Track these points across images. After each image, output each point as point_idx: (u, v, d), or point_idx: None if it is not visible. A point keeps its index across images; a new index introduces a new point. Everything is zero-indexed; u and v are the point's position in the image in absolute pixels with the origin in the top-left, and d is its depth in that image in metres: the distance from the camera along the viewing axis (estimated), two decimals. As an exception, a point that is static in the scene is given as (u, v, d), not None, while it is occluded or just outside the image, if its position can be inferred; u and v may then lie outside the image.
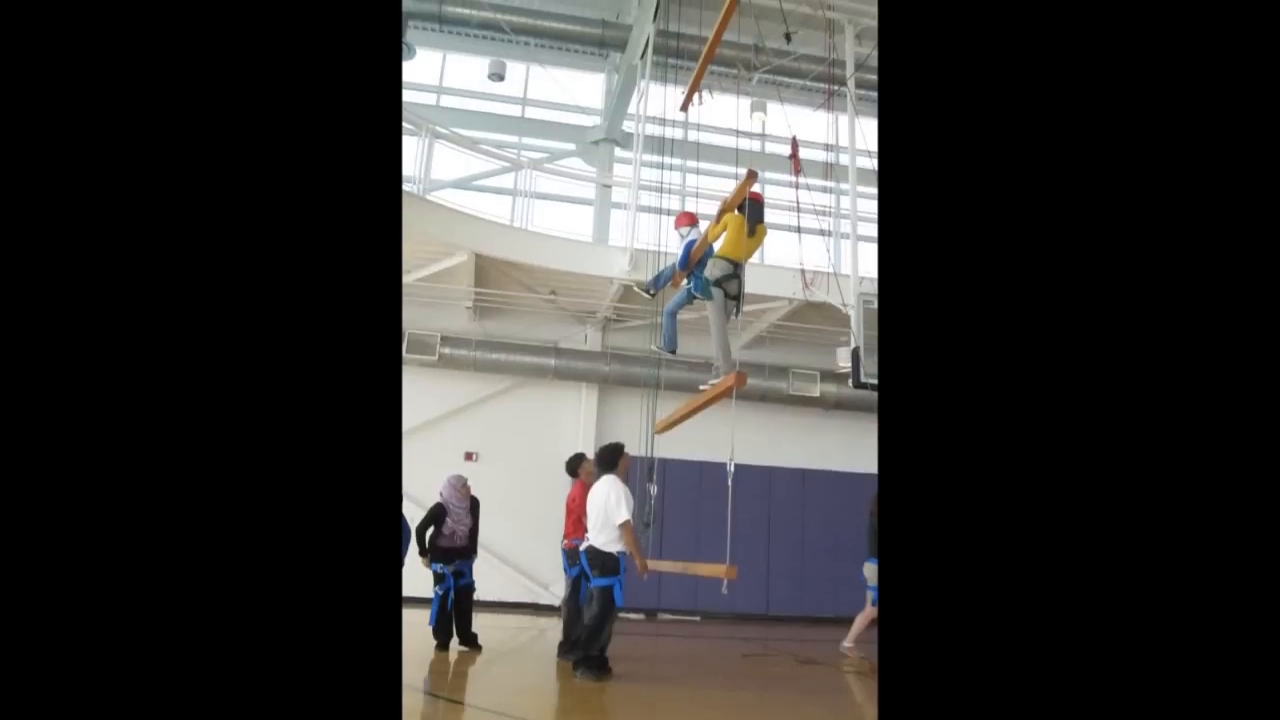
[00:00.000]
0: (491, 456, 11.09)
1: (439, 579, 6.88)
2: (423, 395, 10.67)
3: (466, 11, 12.02)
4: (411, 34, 12.43)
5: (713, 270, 5.75)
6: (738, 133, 8.93)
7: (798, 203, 6.81)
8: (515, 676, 6.35)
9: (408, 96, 12.23)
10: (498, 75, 13.12)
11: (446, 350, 10.82)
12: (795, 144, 6.83)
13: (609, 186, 12.67)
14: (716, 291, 5.74)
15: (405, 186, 9.27)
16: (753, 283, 7.05)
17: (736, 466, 5.50)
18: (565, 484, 6.99)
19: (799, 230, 7.66)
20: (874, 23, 8.93)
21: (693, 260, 6.12)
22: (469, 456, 11.05)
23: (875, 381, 7.55)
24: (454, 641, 6.84)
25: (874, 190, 7.81)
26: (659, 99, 8.89)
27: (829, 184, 9.41)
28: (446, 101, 13.65)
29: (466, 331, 11.20)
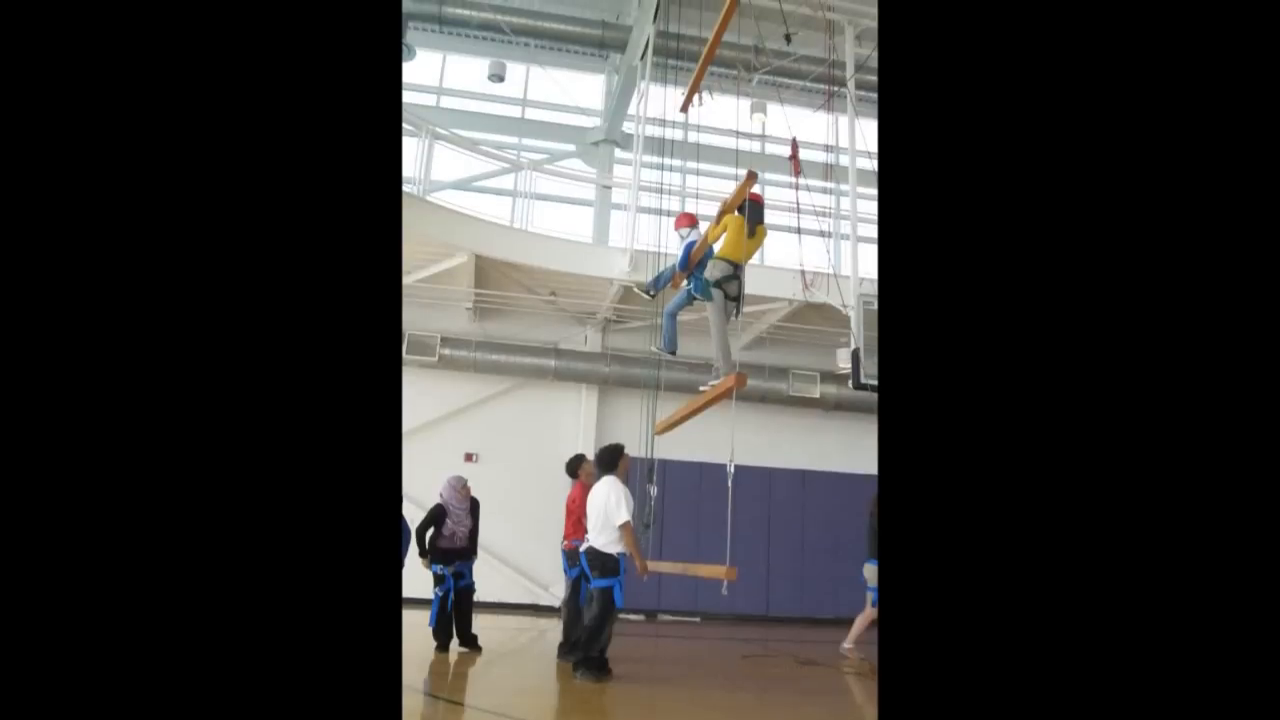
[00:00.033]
0: (491, 457, 11.08)
1: (439, 580, 6.88)
2: (423, 396, 10.67)
3: (466, 12, 12.03)
4: (411, 35, 12.44)
5: (713, 271, 5.75)
6: (738, 134, 8.94)
7: (798, 204, 6.81)
8: (515, 677, 6.35)
9: (408, 97, 12.23)
10: (498, 76, 13.12)
11: (446, 351, 10.82)
12: (795, 145, 6.83)
13: (609, 187, 12.67)
14: (716, 293, 5.74)
15: (405, 187, 9.27)
16: (753, 284, 7.05)
17: (736, 467, 5.50)
18: (565, 485, 6.98)
19: (799, 231, 7.65)
20: (874, 24, 8.94)
21: (693, 261, 6.12)
22: (469, 457, 11.04)
23: (875, 383, 7.55)
24: (454, 642, 6.84)
25: (874, 191, 7.81)
26: (659, 100, 8.88)
27: (829, 185, 9.42)
28: (446, 102, 13.65)
29: (466, 332, 11.20)
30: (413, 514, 6.68)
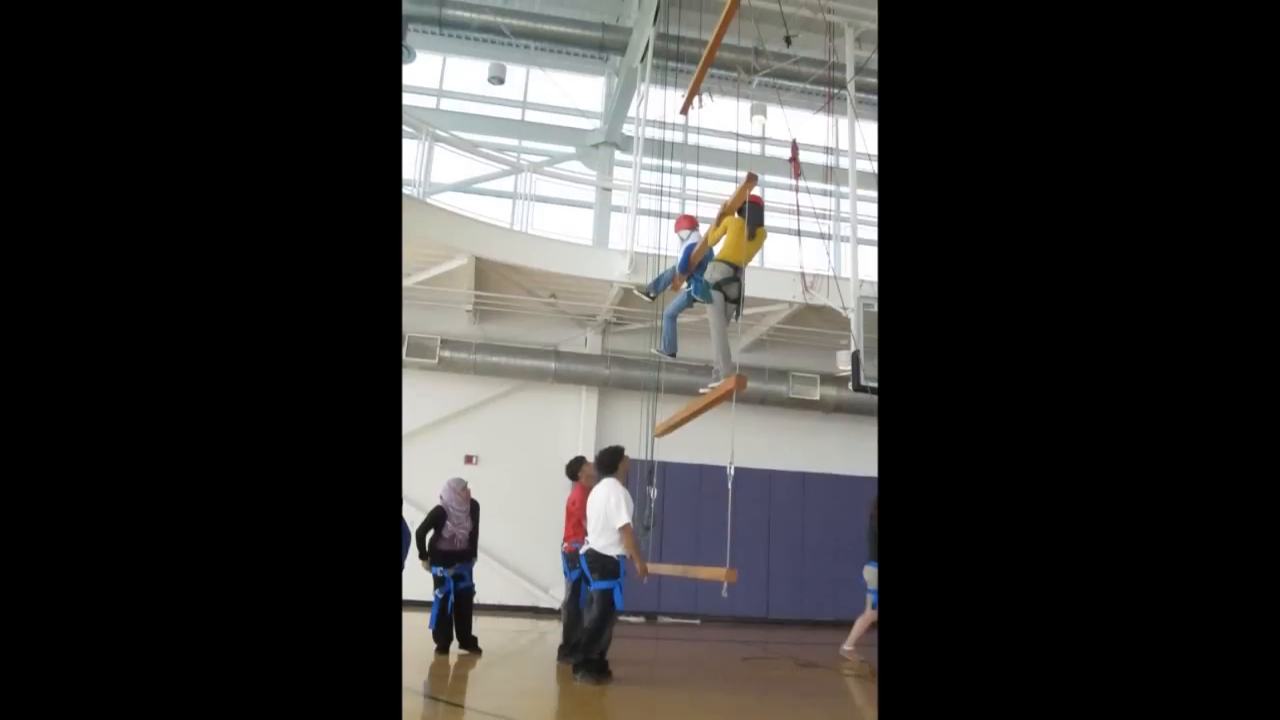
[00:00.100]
0: (491, 459, 11.08)
1: (439, 582, 6.88)
2: (423, 398, 10.67)
3: (466, 15, 12.04)
4: (411, 37, 12.45)
5: (713, 273, 5.75)
6: (738, 136, 8.95)
7: (798, 206, 6.82)
8: (515, 679, 6.34)
9: (408, 100, 12.24)
10: (498, 79, 13.12)
11: (446, 353, 10.82)
12: (795, 147, 6.84)
13: (609, 190, 12.67)
14: (716, 295, 5.74)
15: (405, 190, 9.28)
16: (753, 286, 7.05)
17: (736, 470, 5.50)
18: (565, 487, 6.98)
19: (799, 233, 7.67)
20: (874, 26, 8.95)
21: (693, 263, 6.12)
22: (469, 460, 11.04)
23: (875, 385, 7.55)
24: (454, 645, 6.84)
25: (874, 193, 7.81)
26: (659, 102, 8.88)
27: (829, 187, 9.43)
28: (446, 105, 13.66)
29: (466, 335, 11.20)
30: (413, 516, 6.68)
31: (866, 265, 8.62)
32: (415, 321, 10.74)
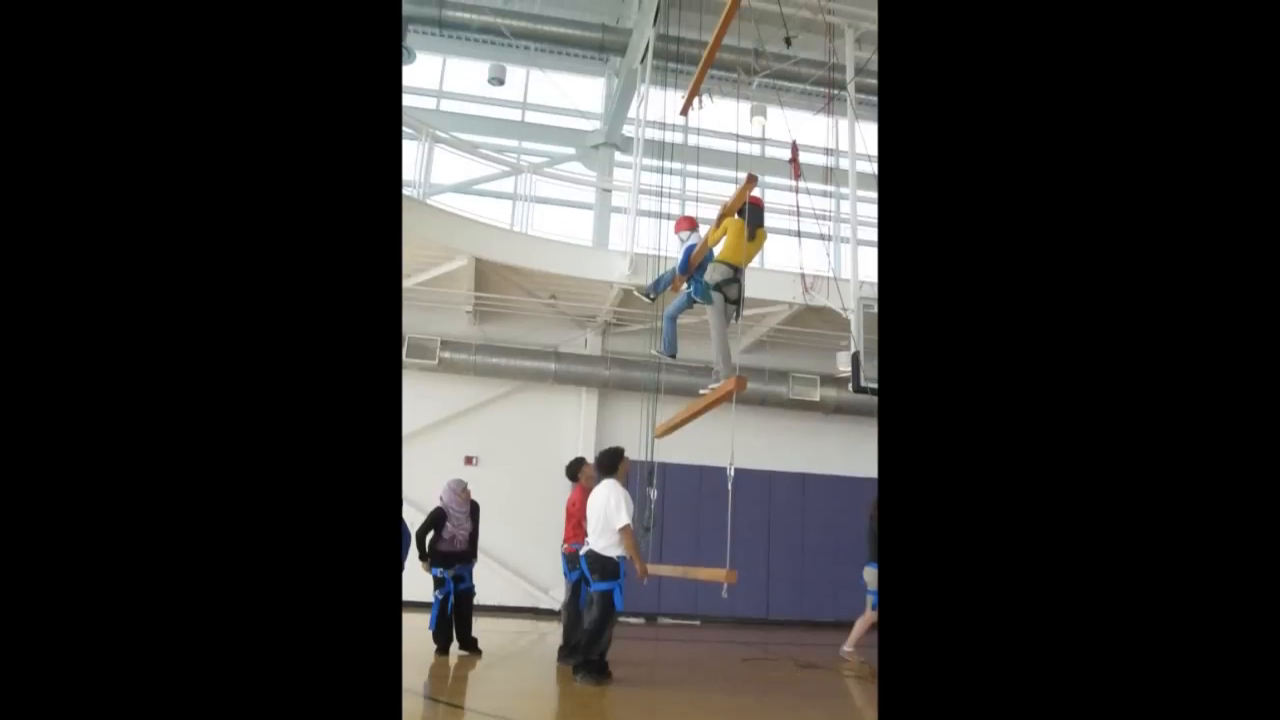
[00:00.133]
0: (491, 461, 11.08)
1: (439, 583, 6.88)
2: (423, 399, 10.67)
3: (466, 16, 12.04)
4: (411, 38, 12.46)
5: (713, 274, 5.75)
6: (738, 137, 8.96)
7: (798, 207, 6.82)
8: (515, 681, 6.34)
9: (408, 101, 12.25)
10: (498, 80, 13.13)
11: (446, 354, 10.83)
12: (795, 148, 6.85)
13: (609, 191, 12.68)
14: (716, 296, 5.74)
15: (405, 191, 9.28)
16: (753, 287, 7.05)
17: (736, 471, 5.50)
18: (565, 488, 6.98)
19: (799, 235, 7.68)
20: (874, 27, 8.95)
21: (693, 265, 6.12)
22: (469, 461, 11.05)
23: (875, 386, 7.55)
24: (454, 646, 6.83)
25: (874, 194, 7.82)
26: (659, 103, 8.88)
27: (829, 188, 9.43)
28: (446, 106, 13.67)
29: (466, 336, 11.20)
30: (413, 517, 6.68)
31: (866, 266, 8.62)
32: (415, 322, 10.75)
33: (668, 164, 8.65)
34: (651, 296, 6.84)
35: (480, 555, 7.36)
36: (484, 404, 11.37)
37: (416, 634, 6.59)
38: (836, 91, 8.92)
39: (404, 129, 9.28)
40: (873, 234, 8.20)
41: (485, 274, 10.44)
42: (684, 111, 7.36)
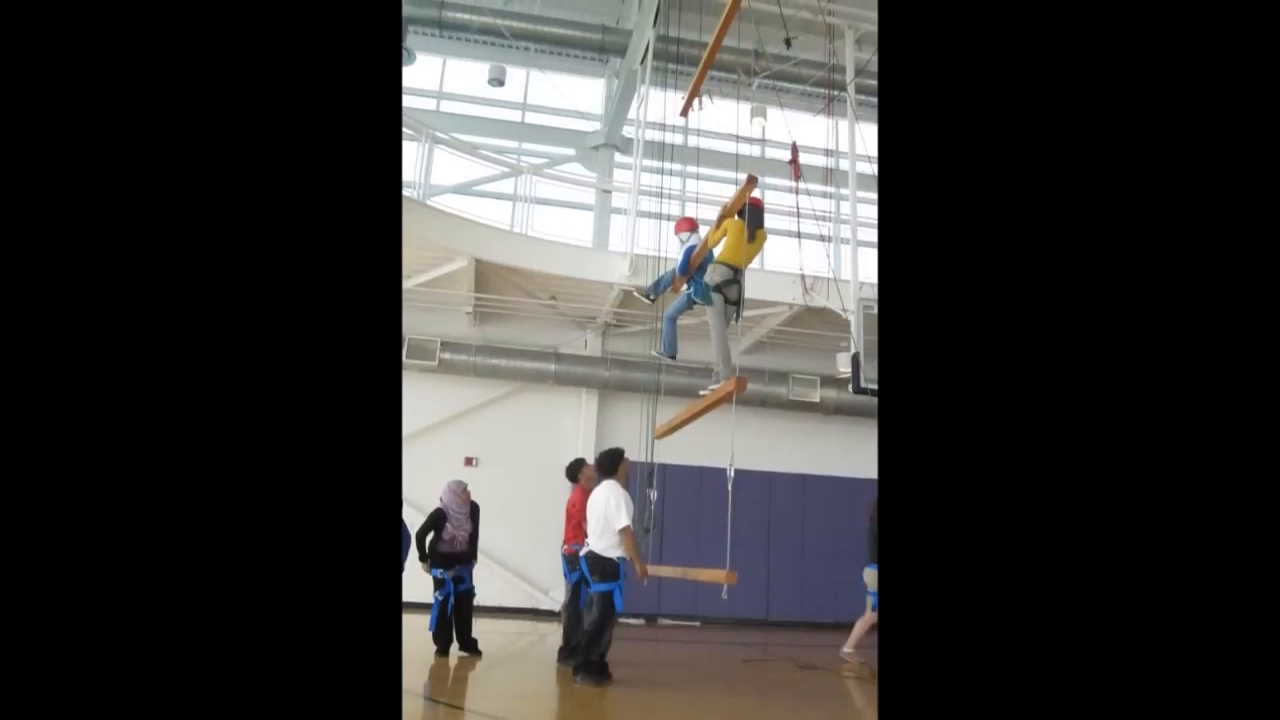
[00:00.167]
0: (491, 462, 11.09)
1: (439, 584, 6.87)
2: (423, 400, 10.68)
3: (466, 17, 12.04)
4: (411, 39, 12.46)
5: (713, 275, 5.75)
6: (738, 138, 8.97)
7: (798, 208, 6.83)
8: (515, 682, 6.34)
9: (408, 102, 12.25)
10: (498, 80, 13.14)
11: (446, 355, 10.83)
12: (795, 149, 6.85)
13: (609, 192, 12.69)
14: (716, 297, 5.74)
15: (405, 192, 9.28)
16: (753, 288, 7.05)
17: (736, 472, 5.49)
18: (565, 489, 6.98)
19: (799, 235, 7.68)
20: (874, 28, 8.96)
21: (693, 265, 6.12)
22: (469, 462, 11.05)
23: (875, 387, 7.56)
24: (454, 647, 6.83)
25: (874, 195, 7.82)
26: (659, 104, 8.89)
27: (829, 189, 9.43)
28: (446, 107, 13.67)
29: (466, 337, 11.21)
30: (413, 518, 6.68)
31: (866, 267, 8.62)
32: (415, 323, 10.75)
33: (668, 165, 8.65)
34: (651, 297, 6.84)
35: (480, 556, 7.36)
36: (484, 405, 11.38)
37: (416, 635, 6.59)
38: (836, 92, 8.93)
39: (404, 130, 9.29)
40: (873, 235, 8.20)
41: (485, 275, 10.45)
42: (684, 112, 7.36)
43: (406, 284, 10.06)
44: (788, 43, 7.89)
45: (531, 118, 13.92)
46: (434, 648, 6.73)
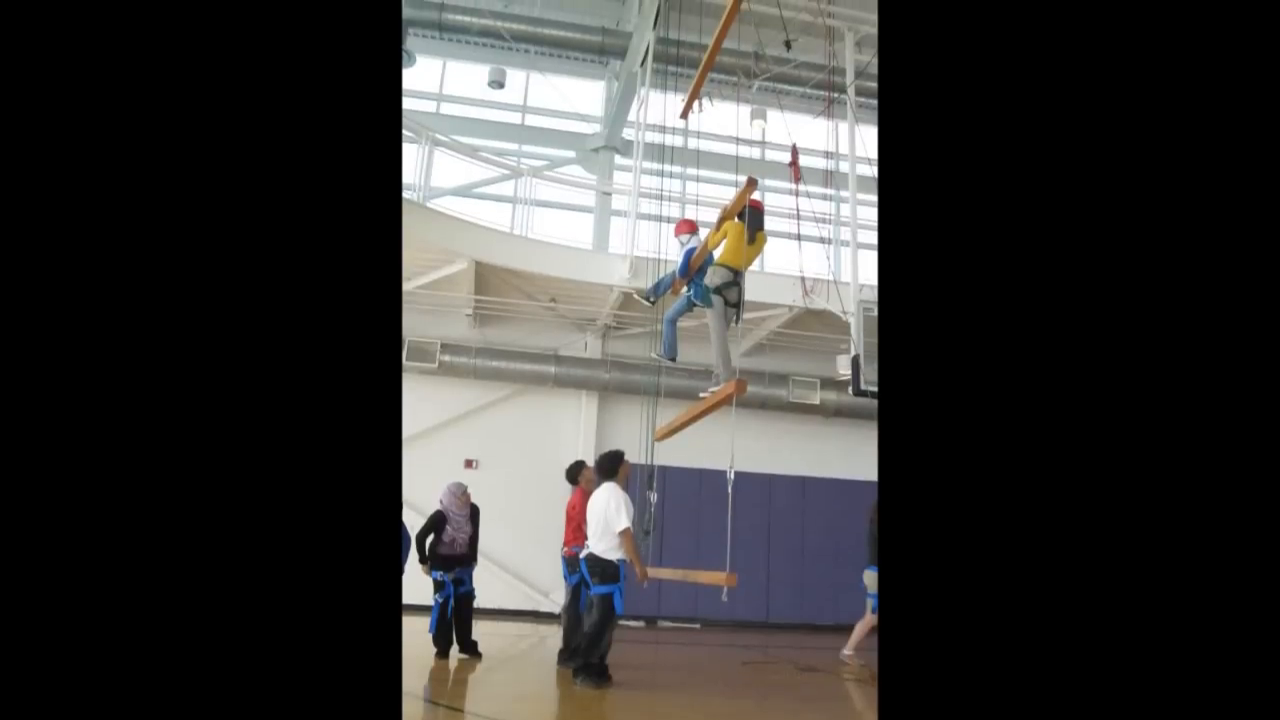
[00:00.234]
0: (491, 464, 11.09)
1: (439, 586, 6.87)
2: (423, 403, 10.68)
3: (466, 19, 12.06)
4: (411, 41, 12.48)
5: (713, 278, 5.75)
6: (738, 140, 8.98)
7: (798, 210, 6.83)
8: (515, 684, 6.33)
9: (408, 104, 12.26)
10: (498, 83, 13.14)
11: (446, 358, 10.84)
12: (795, 151, 6.86)
13: (609, 194, 12.70)
14: (716, 299, 5.74)
15: (405, 194, 9.29)
16: (753, 290, 7.06)
17: (736, 474, 5.49)
18: (565, 491, 6.98)
19: (799, 238, 7.69)
20: (874, 30, 8.97)
21: (693, 268, 6.12)
22: (469, 464, 11.05)
23: (875, 389, 7.55)
24: (454, 649, 6.83)
25: (874, 197, 7.82)
26: (659, 106, 8.90)
27: (829, 191, 9.45)
28: (446, 109, 13.68)
29: (466, 339, 11.21)
30: (413, 520, 6.68)
31: (866, 269, 8.63)
32: (415, 326, 10.76)
33: (668, 167, 8.66)
34: (651, 300, 6.85)
35: (480, 558, 7.35)
36: (484, 407, 11.38)
37: (416, 637, 6.59)
38: (836, 95, 8.94)
39: (404, 132, 9.29)
40: (873, 237, 8.20)
41: (485, 277, 10.46)
42: (684, 115, 7.37)
43: (406, 286, 10.07)
44: (788, 45, 7.91)
45: (531, 120, 13.93)
46: (434, 650, 6.72)
